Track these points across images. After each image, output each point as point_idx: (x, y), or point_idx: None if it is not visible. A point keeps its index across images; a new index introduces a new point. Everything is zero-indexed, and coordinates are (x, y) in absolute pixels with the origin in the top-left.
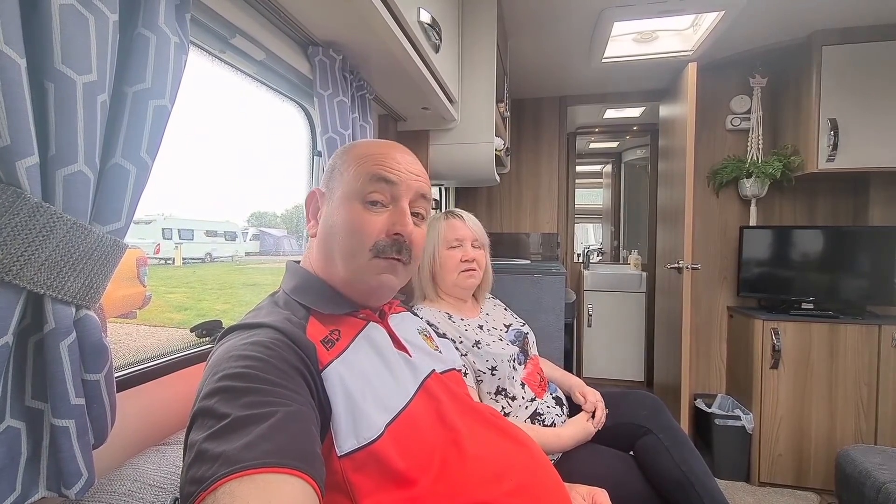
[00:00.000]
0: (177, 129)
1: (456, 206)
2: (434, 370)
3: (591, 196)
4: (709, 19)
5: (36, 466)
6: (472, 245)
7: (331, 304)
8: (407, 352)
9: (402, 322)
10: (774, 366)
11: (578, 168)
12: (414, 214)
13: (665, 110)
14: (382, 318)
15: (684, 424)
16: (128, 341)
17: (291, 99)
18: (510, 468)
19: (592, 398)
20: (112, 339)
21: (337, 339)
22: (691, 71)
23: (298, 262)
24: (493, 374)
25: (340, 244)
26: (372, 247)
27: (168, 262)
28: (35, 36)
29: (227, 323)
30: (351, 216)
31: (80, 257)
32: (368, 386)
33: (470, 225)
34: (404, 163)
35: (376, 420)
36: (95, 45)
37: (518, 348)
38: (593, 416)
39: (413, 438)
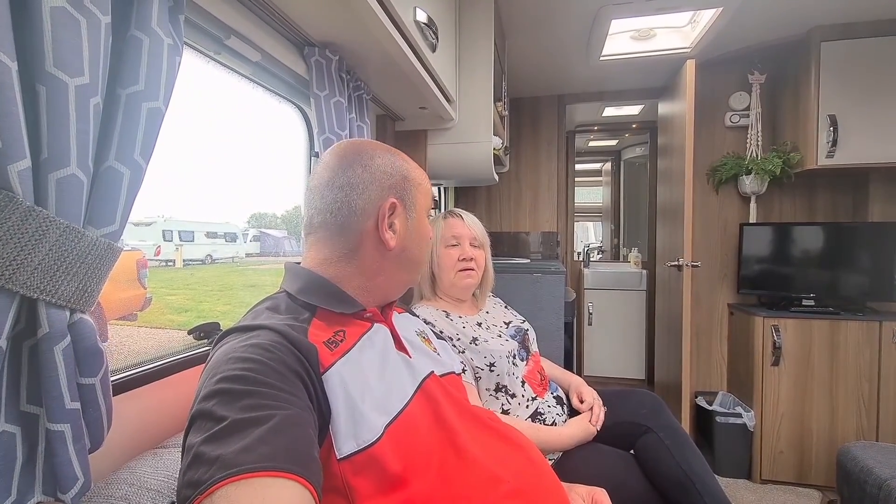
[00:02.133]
0: (176, 132)
1: (455, 206)
2: (433, 372)
3: (590, 194)
4: (707, 16)
5: (32, 471)
6: (471, 244)
7: (341, 304)
8: (407, 352)
9: (400, 323)
10: (775, 363)
11: (578, 166)
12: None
13: (664, 108)
14: (386, 318)
15: (685, 422)
16: (128, 343)
17: (288, 100)
18: (508, 471)
19: (589, 398)
20: (112, 342)
21: (341, 340)
22: (690, 68)
23: (297, 263)
24: (491, 371)
25: (423, 254)
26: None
27: (169, 263)
28: (26, 39)
29: (225, 325)
30: (429, 231)
31: (74, 261)
32: (368, 387)
33: (469, 224)
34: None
35: (375, 422)
36: (87, 48)
37: (518, 343)
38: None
39: (411, 440)
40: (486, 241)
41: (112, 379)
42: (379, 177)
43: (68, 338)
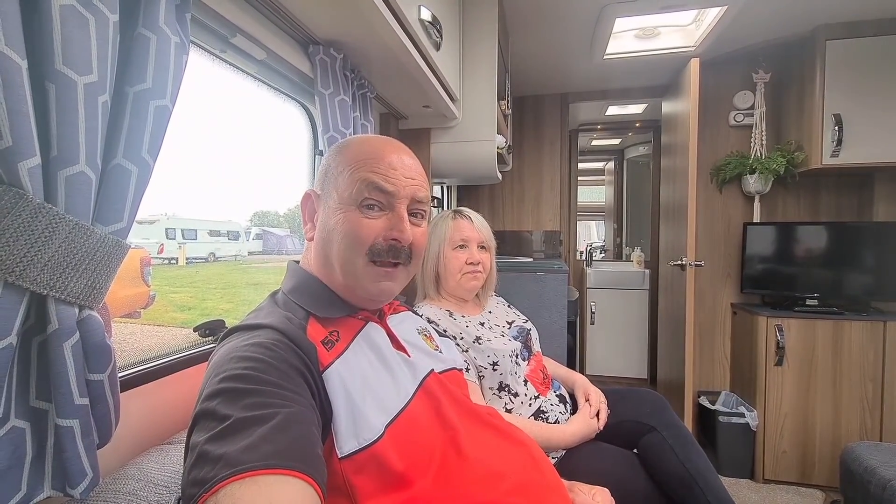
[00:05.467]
0: (179, 130)
1: (458, 205)
2: (433, 370)
3: (593, 193)
4: (711, 14)
5: (41, 466)
6: (479, 247)
7: (328, 307)
8: (405, 352)
9: (401, 322)
10: (779, 363)
11: (581, 165)
12: (412, 215)
13: (667, 107)
14: (381, 319)
15: (688, 422)
16: (132, 340)
17: (292, 98)
18: (509, 468)
19: (595, 400)
20: (116, 339)
21: (336, 340)
22: (694, 67)
23: (297, 261)
24: (494, 370)
25: (337, 250)
26: (368, 251)
27: (172, 261)
28: (36, 37)
29: (230, 322)
30: (347, 222)
31: (83, 258)
32: (368, 387)
33: (477, 226)
34: (399, 167)
35: (376, 421)
36: (96, 46)
37: (521, 344)
38: (598, 414)
39: (412, 439)
40: (493, 244)
41: (119, 376)
42: (321, 168)
43: (77, 334)
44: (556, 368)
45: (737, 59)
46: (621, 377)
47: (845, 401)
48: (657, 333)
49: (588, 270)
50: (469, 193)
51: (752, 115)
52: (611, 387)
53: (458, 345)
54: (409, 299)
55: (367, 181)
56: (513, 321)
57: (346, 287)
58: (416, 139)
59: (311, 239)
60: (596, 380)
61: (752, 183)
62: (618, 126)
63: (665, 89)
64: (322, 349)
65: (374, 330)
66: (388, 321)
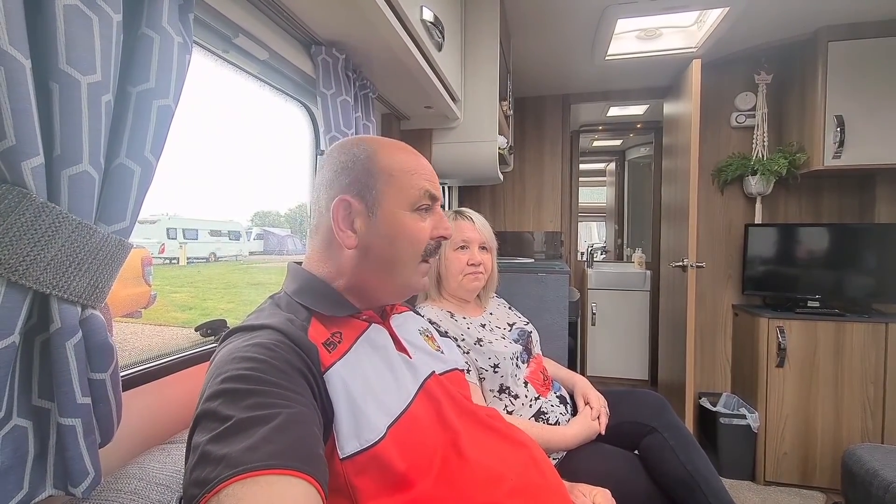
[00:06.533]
0: (181, 129)
1: (459, 205)
2: (434, 371)
3: (594, 194)
4: (713, 16)
5: (43, 465)
6: (480, 247)
7: (334, 307)
8: (407, 353)
9: (403, 322)
10: (780, 364)
11: (582, 166)
12: None
13: (669, 108)
14: (385, 319)
15: (689, 423)
16: (133, 340)
17: (294, 98)
18: (510, 469)
19: (597, 404)
20: (117, 339)
21: (339, 342)
22: (695, 68)
23: (300, 263)
24: (495, 372)
25: (399, 252)
26: (423, 251)
27: (173, 261)
28: (39, 37)
29: (231, 322)
30: (408, 227)
31: (86, 257)
32: (369, 388)
33: (479, 227)
34: (431, 170)
35: (378, 422)
36: (99, 46)
37: (521, 346)
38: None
39: (414, 440)
40: (494, 244)
41: (121, 375)
42: (338, 174)
43: (80, 333)
44: (557, 370)
45: (739, 60)
46: (622, 378)
47: (847, 403)
48: (658, 334)
49: (589, 271)
50: (470, 194)
51: (753, 116)
52: (612, 388)
53: (459, 346)
54: (410, 300)
55: (423, 189)
56: (513, 323)
57: (392, 286)
58: (418, 140)
59: (354, 246)
60: (597, 381)
61: (754, 184)
62: (619, 127)
63: (666, 90)
64: (323, 350)
65: (377, 331)
66: (391, 322)
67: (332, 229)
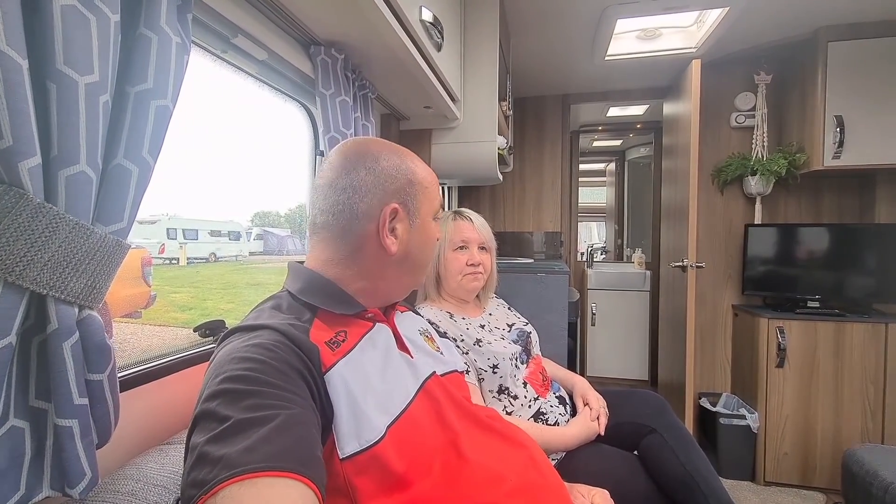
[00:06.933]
0: (180, 130)
1: (458, 205)
2: (434, 372)
3: (594, 194)
4: (713, 16)
5: (40, 466)
6: (479, 248)
7: (341, 304)
8: (409, 353)
9: (404, 321)
10: (780, 364)
11: (582, 166)
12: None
13: (669, 108)
14: (389, 318)
15: (689, 423)
16: (133, 340)
17: (294, 98)
18: (509, 469)
19: (596, 405)
20: (117, 339)
21: (343, 340)
22: (695, 68)
23: (301, 262)
24: (494, 372)
25: (428, 259)
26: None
27: (173, 261)
28: (37, 37)
29: (230, 323)
30: (433, 234)
31: (83, 258)
32: (370, 387)
33: (478, 227)
34: None
35: (377, 422)
36: (97, 46)
37: (521, 347)
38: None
39: (413, 440)
40: (494, 245)
41: (119, 376)
42: (382, 180)
43: (77, 334)
44: (556, 370)
45: (738, 60)
46: (622, 378)
47: (847, 403)
48: (658, 335)
49: (589, 272)
50: (470, 194)
51: (753, 116)
52: (611, 388)
53: (458, 347)
54: (409, 300)
55: (440, 199)
56: (513, 324)
57: (408, 286)
58: (417, 140)
59: (395, 252)
60: (596, 381)
61: (754, 184)
62: (619, 127)
63: (666, 90)
64: (326, 349)
65: (381, 331)
66: (394, 320)
67: (366, 234)
